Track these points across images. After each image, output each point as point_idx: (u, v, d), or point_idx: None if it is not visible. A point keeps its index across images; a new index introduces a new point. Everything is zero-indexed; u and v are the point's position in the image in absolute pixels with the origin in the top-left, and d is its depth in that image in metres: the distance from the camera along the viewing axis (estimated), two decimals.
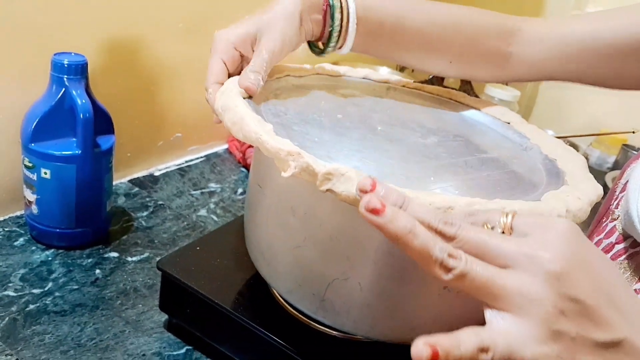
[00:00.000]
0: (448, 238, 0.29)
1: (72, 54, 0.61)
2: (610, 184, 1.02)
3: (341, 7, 0.52)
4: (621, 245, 0.41)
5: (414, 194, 0.34)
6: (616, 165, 1.23)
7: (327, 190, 0.37)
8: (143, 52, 0.77)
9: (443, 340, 0.27)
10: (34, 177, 0.62)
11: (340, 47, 0.55)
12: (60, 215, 0.63)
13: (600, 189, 0.44)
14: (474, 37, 0.56)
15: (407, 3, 0.56)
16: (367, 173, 0.38)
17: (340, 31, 0.53)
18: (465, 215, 0.31)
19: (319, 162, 0.37)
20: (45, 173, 0.61)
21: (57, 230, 0.64)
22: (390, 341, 0.45)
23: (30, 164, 0.61)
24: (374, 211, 0.28)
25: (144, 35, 0.76)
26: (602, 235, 0.44)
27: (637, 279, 0.38)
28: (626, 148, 1.21)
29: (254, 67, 0.48)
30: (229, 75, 0.50)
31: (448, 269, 0.28)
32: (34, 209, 0.63)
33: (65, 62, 0.59)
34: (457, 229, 0.29)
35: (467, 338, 0.27)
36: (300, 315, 0.49)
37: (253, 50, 0.50)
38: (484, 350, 0.27)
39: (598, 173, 1.25)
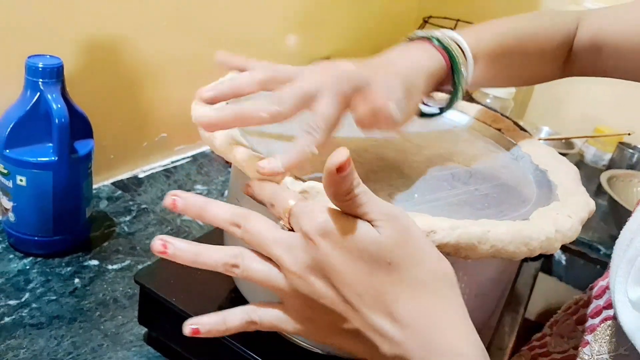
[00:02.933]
0: (242, 231, 0.34)
1: (47, 56, 0.58)
2: (605, 184, 1.00)
3: (465, 59, 0.46)
4: (610, 312, 0.40)
5: None
6: (612, 163, 1.22)
7: None
8: (124, 52, 0.75)
9: (206, 320, 0.35)
10: (10, 184, 0.59)
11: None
12: (38, 223, 0.61)
13: (592, 204, 0.42)
14: (544, 47, 0.53)
15: (504, 27, 0.51)
16: None
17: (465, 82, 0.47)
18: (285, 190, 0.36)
19: (295, 181, 0.35)
20: (21, 180, 0.59)
21: (35, 238, 0.62)
22: None
23: (5, 171, 0.59)
24: (161, 252, 0.34)
25: (124, 35, 0.74)
26: (594, 292, 0.42)
27: (611, 348, 0.38)
28: (622, 146, 1.19)
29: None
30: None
31: (233, 273, 0.35)
32: (11, 216, 0.61)
33: (40, 65, 0.57)
34: (246, 224, 0.34)
35: (235, 315, 0.35)
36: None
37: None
38: (252, 323, 0.35)
39: (593, 170, 1.23)
